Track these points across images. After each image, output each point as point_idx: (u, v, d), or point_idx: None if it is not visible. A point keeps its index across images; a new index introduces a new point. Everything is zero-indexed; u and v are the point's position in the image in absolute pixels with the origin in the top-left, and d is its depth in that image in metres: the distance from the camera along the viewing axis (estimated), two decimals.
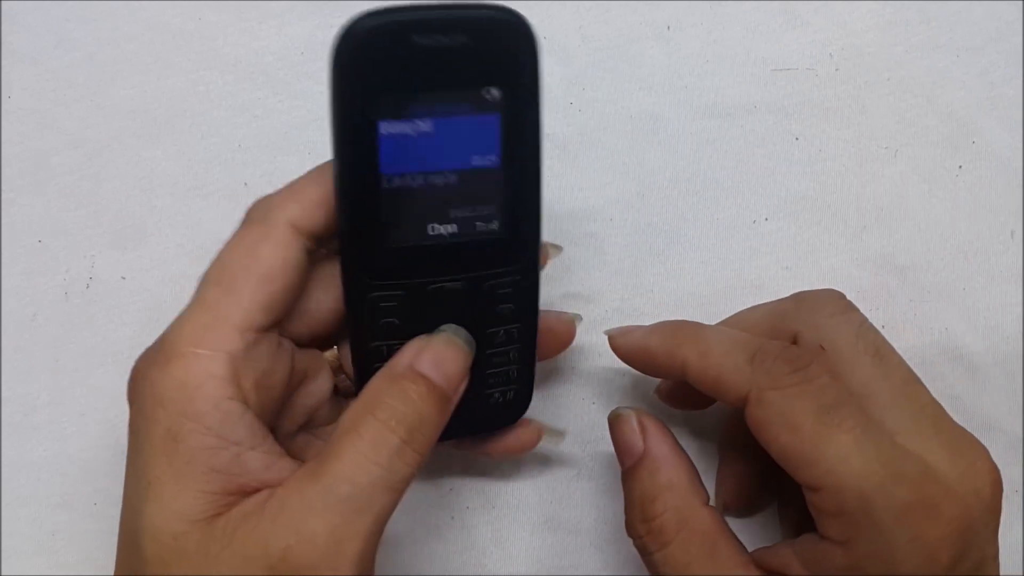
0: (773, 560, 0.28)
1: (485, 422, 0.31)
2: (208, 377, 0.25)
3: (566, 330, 0.32)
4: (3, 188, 0.39)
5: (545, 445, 0.32)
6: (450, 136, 0.25)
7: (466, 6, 0.25)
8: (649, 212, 0.38)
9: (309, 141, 0.39)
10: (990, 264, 0.37)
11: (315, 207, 0.26)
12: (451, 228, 0.26)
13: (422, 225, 0.26)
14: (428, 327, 0.27)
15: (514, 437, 0.32)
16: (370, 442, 0.24)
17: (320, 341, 0.29)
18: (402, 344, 0.27)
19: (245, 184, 0.39)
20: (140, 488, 0.25)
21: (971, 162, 0.38)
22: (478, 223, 0.27)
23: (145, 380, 0.25)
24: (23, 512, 0.36)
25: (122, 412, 0.37)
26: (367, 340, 0.28)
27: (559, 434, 0.33)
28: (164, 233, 0.39)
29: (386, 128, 0.25)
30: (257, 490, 0.25)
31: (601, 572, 0.35)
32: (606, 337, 0.32)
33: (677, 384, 0.34)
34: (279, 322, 0.27)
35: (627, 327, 0.32)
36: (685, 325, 0.30)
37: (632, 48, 0.39)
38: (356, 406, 0.26)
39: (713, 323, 0.32)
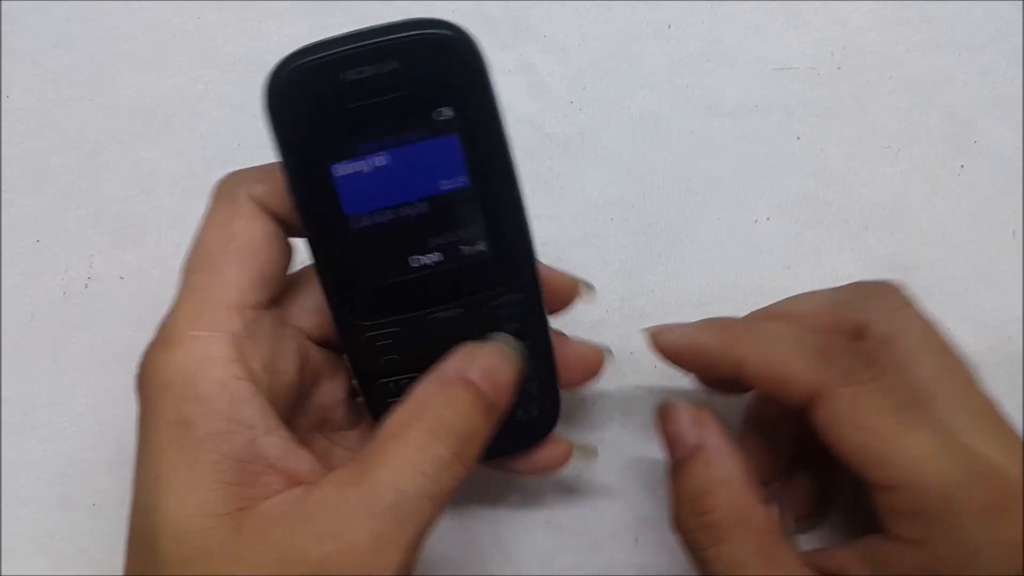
0: (830, 562, 0.27)
1: (514, 441, 0.30)
2: (210, 358, 0.24)
3: (596, 358, 0.30)
4: (3, 188, 0.39)
5: (577, 463, 0.32)
6: (410, 165, 0.24)
7: (394, 28, 0.23)
8: (650, 212, 0.38)
9: None
10: (992, 264, 0.37)
11: (283, 194, 0.25)
12: (434, 257, 0.26)
13: (402, 259, 0.25)
14: (435, 357, 0.26)
15: (544, 455, 0.31)
16: (418, 450, 0.24)
17: (333, 338, 0.29)
18: (411, 378, 0.26)
19: None
20: (150, 483, 0.23)
21: (973, 162, 0.38)
22: (463, 247, 0.26)
23: (149, 368, 0.24)
24: (22, 512, 0.36)
25: (120, 412, 0.37)
26: (372, 378, 0.27)
27: (591, 451, 0.32)
28: (163, 233, 0.39)
29: (340, 170, 0.24)
30: (276, 480, 0.24)
31: (602, 573, 0.35)
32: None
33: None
34: (277, 298, 0.26)
35: (668, 325, 0.30)
36: (738, 320, 0.29)
37: (632, 47, 0.39)
38: (403, 411, 0.25)
39: None
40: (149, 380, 0.24)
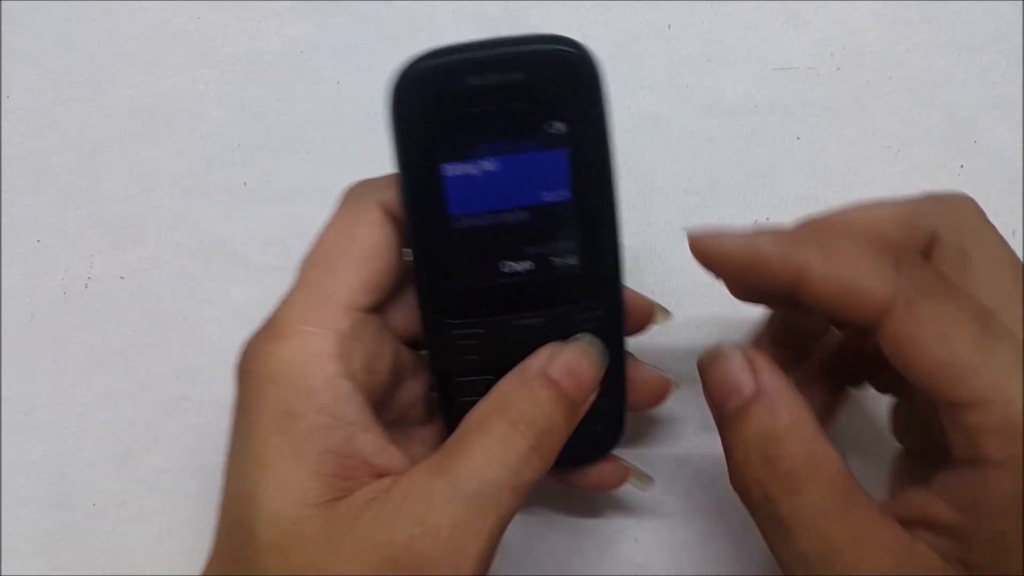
0: (907, 508, 0.25)
1: (574, 454, 0.29)
2: (318, 355, 0.24)
3: (662, 387, 0.30)
4: (3, 188, 0.39)
5: (631, 487, 0.32)
6: (517, 173, 0.25)
7: (521, 40, 0.25)
8: (650, 212, 0.38)
9: (309, 141, 0.39)
10: None
11: None
12: (526, 265, 0.26)
13: (494, 263, 0.26)
14: (512, 361, 0.27)
15: (601, 472, 0.31)
16: (499, 442, 0.24)
17: (417, 337, 0.29)
18: (488, 379, 0.27)
19: (244, 184, 0.39)
20: (251, 469, 0.24)
21: (973, 162, 0.38)
22: (554, 259, 0.26)
23: (257, 357, 0.25)
24: (22, 512, 0.36)
25: (120, 413, 0.37)
26: (450, 375, 0.28)
27: (648, 479, 0.32)
28: (163, 233, 0.39)
29: (450, 170, 0.25)
30: (369, 475, 0.24)
31: (601, 572, 0.35)
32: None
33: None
34: (382, 304, 0.27)
35: (713, 229, 0.26)
36: (794, 229, 0.27)
37: (633, 47, 0.39)
38: (485, 404, 0.25)
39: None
40: (254, 369, 0.25)
